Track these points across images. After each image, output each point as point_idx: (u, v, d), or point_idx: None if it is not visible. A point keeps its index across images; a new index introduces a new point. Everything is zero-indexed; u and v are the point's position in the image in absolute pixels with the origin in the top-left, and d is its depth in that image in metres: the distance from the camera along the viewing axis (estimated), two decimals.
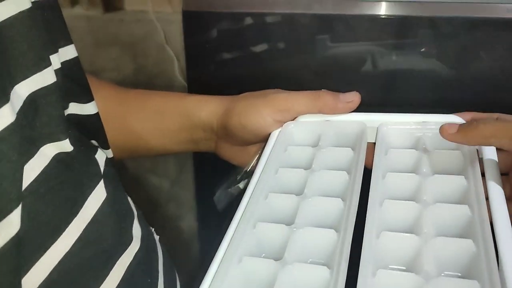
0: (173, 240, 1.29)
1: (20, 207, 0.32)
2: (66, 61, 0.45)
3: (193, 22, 0.83)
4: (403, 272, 0.39)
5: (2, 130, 0.32)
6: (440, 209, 0.43)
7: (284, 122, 0.58)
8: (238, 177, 0.60)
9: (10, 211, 0.32)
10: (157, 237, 0.55)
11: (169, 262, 0.54)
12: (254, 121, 0.58)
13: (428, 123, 0.54)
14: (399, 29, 0.73)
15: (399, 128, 0.54)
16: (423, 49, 0.74)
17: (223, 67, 0.86)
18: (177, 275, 0.56)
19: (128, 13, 1.22)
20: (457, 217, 0.43)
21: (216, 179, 0.64)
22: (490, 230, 0.40)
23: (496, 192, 0.42)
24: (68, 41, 0.46)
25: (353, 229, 0.42)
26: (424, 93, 0.77)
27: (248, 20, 0.78)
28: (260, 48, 0.81)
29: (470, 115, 0.54)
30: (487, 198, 0.43)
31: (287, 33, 0.78)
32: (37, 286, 0.34)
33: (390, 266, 0.40)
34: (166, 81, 1.18)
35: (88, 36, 1.23)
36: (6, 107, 0.33)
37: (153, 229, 0.55)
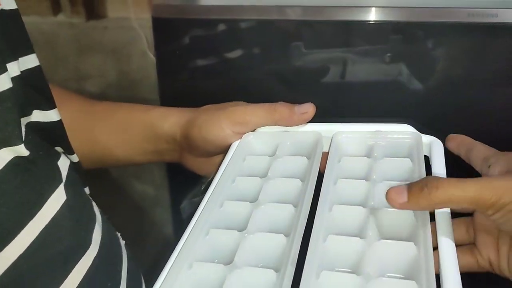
0: (158, 245, 1.31)
1: None
2: (27, 69, 0.47)
3: (164, 29, 0.85)
4: (346, 273, 0.41)
5: None
6: (385, 213, 0.45)
7: (244, 134, 0.60)
8: (203, 187, 0.62)
9: None
10: (122, 242, 0.57)
11: (134, 268, 0.56)
12: (214, 133, 0.60)
13: (381, 132, 0.56)
14: (360, 36, 0.75)
15: (353, 137, 0.57)
16: (387, 55, 0.76)
17: (194, 74, 0.88)
18: (143, 280, 0.58)
19: (111, 20, 1.25)
20: (401, 221, 0.45)
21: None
22: (430, 234, 0.42)
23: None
24: (29, 50, 0.48)
25: (302, 233, 0.44)
26: (383, 102, 0.79)
27: (219, 27, 0.80)
28: (231, 54, 0.83)
29: (460, 138, 0.55)
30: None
31: (257, 39, 0.80)
32: None
33: (335, 268, 0.42)
34: (150, 86, 1.20)
35: (72, 43, 1.26)
36: None
37: (119, 234, 0.57)
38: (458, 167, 0.51)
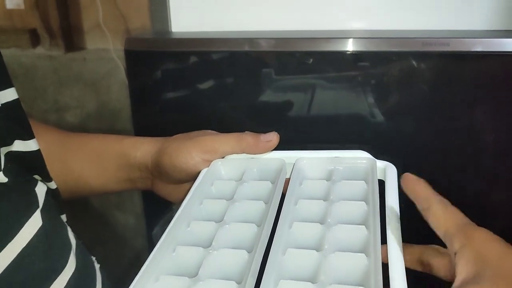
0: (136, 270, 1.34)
1: None
2: (7, 102, 0.51)
3: (136, 61, 0.89)
4: (303, 282, 0.45)
5: None
6: (341, 229, 0.50)
7: (210, 160, 0.64)
8: (173, 214, 0.66)
9: None
10: (97, 266, 0.60)
11: (107, 280, 0.59)
12: (183, 161, 0.63)
13: (339, 158, 0.61)
14: (322, 65, 0.80)
15: (313, 163, 0.61)
16: (347, 84, 0.80)
17: (167, 104, 0.92)
18: None
19: (90, 51, 1.31)
20: (355, 235, 0.49)
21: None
22: (380, 246, 0.46)
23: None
24: (8, 85, 0.52)
25: (264, 249, 0.47)
26: (344, 129, 0.83)
27: (191, 59, 0.84)
28: (203, 85, 0.87)
29: (414, 185, 0.52)
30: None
31: (227, 71, 0.84)
32: None
33: (292, 278, 0.46)
34: (129, 116, 1.23)
35: (51, 75, 1.30)
36: None
37: (94, 258, 0.60)
38: None
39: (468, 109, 0.78)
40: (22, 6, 1.28)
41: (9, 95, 0.51)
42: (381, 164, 0.60)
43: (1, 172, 0.44)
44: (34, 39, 1.30)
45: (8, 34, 1.35)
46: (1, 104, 0.48)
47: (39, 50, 1.30)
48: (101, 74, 1.28)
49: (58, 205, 0.56)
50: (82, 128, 1.33)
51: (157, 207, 0.70)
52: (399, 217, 0.50)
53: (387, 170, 0.59)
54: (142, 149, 0.68)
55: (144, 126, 0.95)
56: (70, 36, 1.32)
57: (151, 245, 1.16)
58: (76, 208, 0.63)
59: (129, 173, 0.70)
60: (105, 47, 1.28)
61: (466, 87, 0.76)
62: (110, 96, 1.29)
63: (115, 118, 1.30)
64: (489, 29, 0.81)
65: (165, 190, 0.69)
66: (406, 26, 0.83)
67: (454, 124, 0.79)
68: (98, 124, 1.33)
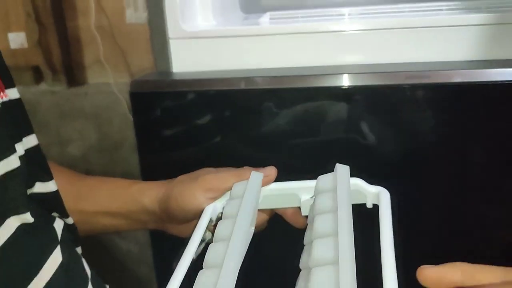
0: None
1: None
2: (29, 148, 0.57)
3: (141, 102, 0.94)
4: None
5: None
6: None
7: (215, 198, 0.68)
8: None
9: None
10: None
11: None
12: (189, 202, 0.68)
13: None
14: (312, 100, 0.86)
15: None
16: (344, 116, 0.85)
17: (170, 141, 0.97)
18: None
19: (92, 86, 1.35)
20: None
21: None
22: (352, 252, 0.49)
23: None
24: (30, 131, 0.58)
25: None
26: (341, 158, 0.89)
27: (191, 98, 0.90)
28: (202, 121, 0.93)
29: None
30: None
31: (223, 107, 0.89)
32: None
33: None
34: (130, 146, 1.28)
35: (54, 110, 1.35)
36: None
37: (107, 286, 0.66)
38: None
39: (450, 135, 0.84)
40: (26, 45, 1.33)
41: (32, 141, 0.57)
42: (375, 189, 0.64)
43: (29, 213, 0.50)
44: (37, 75, 1.35)
45: (12, 71, 1.42)
46: (25, 150, 0.54)
47: (42, 86, 1.35)
48: (102, 107, 1.33)
49: (74, 238, 0.62)
50: (84, 159, 1.37)
51: (163, 237, 0.75)
52: (392, 240, 0.53)
53: (381, 194, 0.62)
54: (149, 194, 0.74)
55: (150, 161, 1.00)
56: (72, 72, 1.36)
57: (159, 276, 1.21)
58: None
59: (139, 217, 0.75)
60: (105, 81, 1.32)
61: (447, 115, 0.82)
62: (112, 128, 1.33)
63: (117, 149, 1.34)
64: (469, 59, 0.87)
65: (177, 229, 0.75)
66: (390, 59, 0.88)
67: (439, 149, 0.84)
68: (100, 155, 1.36)
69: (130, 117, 1.29)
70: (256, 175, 0.67)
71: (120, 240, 1.43)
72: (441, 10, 0.91)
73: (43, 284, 0.50)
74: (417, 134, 0.86)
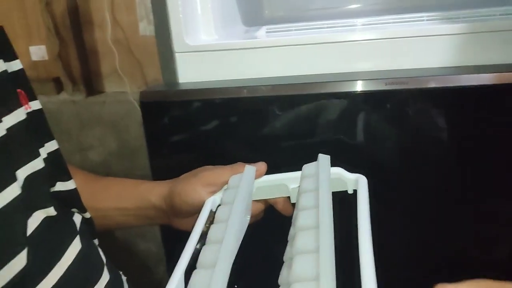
0: None
1: (27, 249, 0.52)
2: (51, 152, 0.66)
3: (150, 111, 1.02)
4: None
5: (13, 200, 0.52)
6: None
7: (215, 192, 0.75)
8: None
9: (20, 251, 0.51)
10: (124, 278, 0.75)
11: None
12: (191, 197, 0.76)
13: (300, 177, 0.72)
14: (305, 106, 0.93)
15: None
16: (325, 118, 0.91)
17: (178, 145, 1.04)
18: None
19: (109, 95, 1.44)
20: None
21: None
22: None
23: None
24: (51, 137, 0.67)
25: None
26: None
27: (197, 106, 0.96)
28: (207, 127, 1.00)
29: None
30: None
31: (229, 114, 0.96)
32: None
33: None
34: (146, 152, 1.35)
35: (74, 118, 1.44)
36: (15, 184, 0.53)
37: (121, 272, 0.76)
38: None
39: (428, 135, 0.91)
40: (46, 57, 1.42)
41: (53, 146, 0.66)
42: (353, 176, 0.70)
43: (52, 207, 0.60)
44: (58, 86, 1.44)
45: (34, 83, 1.50)
46: (47, 154, 0.64)
47: (63, 95, 1.43)
48: (120, 115, 1.41)
49: (91, 231, 0.71)
50: (104, 165, 1.45)
51: (175, 235, 0.83)
52: (369, 224, 0.58)
53: (359, 180, 0.69)
54: (155, 192, 0.82)
55: (159, 164, 1.08)
56: (90, 82, 1.46)
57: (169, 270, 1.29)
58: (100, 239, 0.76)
59: (146, 213, 0.83)
60: (122, 90, 1.41)
61: (424, 118, 0.89)
62: (129, 135, 1.41)
63: (134, 154, 1.42)
64: (444, 66, 0.94)
65: (181, 223, 0.82)
66: (371, 67, 0.96)
67: (417, 146, 0.91)
68: (119, 160, 1.45)
69: None
70: (249, 168, 0.74)
71: (139, 240, 1.51)
72: (422, 20, 0.98)
73: (65, 268, 0.58)
74: (398, 133, 0.92)
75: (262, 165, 0.76)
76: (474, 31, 0.91)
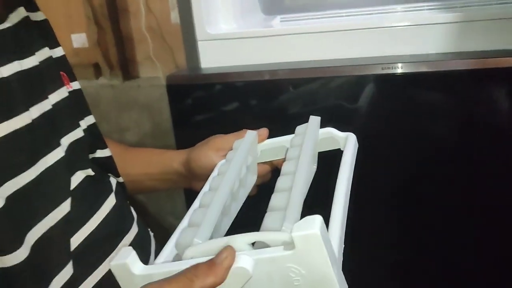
0: None
1: (70, 199, 0.63)
2: (90, 124, 0.77)
3: (176, 93, 1.12)
4: None
5: (57, 160, 0.63)
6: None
7: (224, 156, 0.83)
8: None
9: (64, 199, 0.62)
10: (151, 233, 0.87)
11: (159, 248, 0.86)
12: (205, 161, 0.86)
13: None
14: (315, 88, 1.02)
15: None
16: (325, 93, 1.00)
17: (200, 125, 1.14)
18: None
19: (144, 80, 1.54)
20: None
21: None
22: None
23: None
24: (89, 112, 0.77)
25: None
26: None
27: (218, 88, 1.06)
28: (228, 108, 1.09)
29: None
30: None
31: (248, 96, 1.06)
32: (76, 245, 0.64)
33: None
34: None
35: (112, 101, 1.56)
36: (59, 149, 0.64)
37: (149, 229, 0.88)
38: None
39: (418, 116, 1.00)
40: (86, 45, 1.54)
41: (91, 120, 0.79)
42: (344, 134, 0.77)
43: (91, 169, 0.73)
44: (97, 71, 1.55)
45: (75, 68, 1.62)
46: (87, 126, 0.77)
47: (102, 80, 1.55)
48: (153, 98, 1.52)
49: (124, 193, 0.84)
50: (140, 145, 1.55)
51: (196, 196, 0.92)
52: (350, 173, 0.65)
53: (348, 137, 0.76)
54: (177, 160, 0.93)
55: (184, 141, 1.18)
56: (127, 67, 1.56)
57: None
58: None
59: (170, 177, 0.95)
60: (155, 75, 1.51)
61: (418, 100, 0.98)
62: (161, 117, 1.51)
63: (166, 135, 1.51)
64: (439, 52, 1.03)
65: (199, 185, 0.92)
66: (369, 53, 1.06)
67: (409, 126, 1.01)
68: (152, 141, 1.55)
69: None
70: (250, 133, 0.82)
71: (169, 216, 1.62)
72: (423, 9, 1.06)
73: (102, 218, 0.70)
74: (392, 112, 1.01)
75: (264, 131, 0.84)
76: (466, 20, 0.98)
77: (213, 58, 1.12)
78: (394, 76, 0.95)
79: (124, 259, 0.52)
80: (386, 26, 1.01)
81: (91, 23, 1.52)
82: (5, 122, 0.58)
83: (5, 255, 0.54)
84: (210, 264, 0.48)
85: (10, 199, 0.55)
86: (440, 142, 1.02)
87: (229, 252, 0.48)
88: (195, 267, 0.49)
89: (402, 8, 1.08)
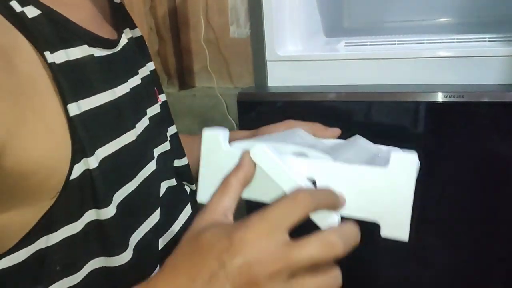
0: None
1: (160, 208, 0.70)
2: (172, 134, 0.83)
3: (245, 109, 1.17)
4: None
5: (152, 171, 0.69)
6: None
7: None
8: None
9: (156, 208, 0.69)
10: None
11: None
12: None
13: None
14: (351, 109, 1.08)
15: None
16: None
17: None
18: None
19: (199, 89, 1.62)
20: None
21: None
22: None
23: None
24: (172, 123, 0.85)
25: None
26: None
27: (284, 107, 1.11)
28: None
29: None
30: None
31: (312, 114, 1.09)
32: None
33: None
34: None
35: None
36: (154, 161, 0.70)
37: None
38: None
39: (478, 145, 1.04)
40: None
41: (174, 129, 0.84)
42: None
43: (174, 179, 0.79)
44: None
45: None
46: (169, 136, 0.81)
47: None
48: (207, 107, 1.58)
49: (196, 201, 0.91)
50: None
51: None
52: None
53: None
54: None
55: None
56: (183, 77, 1.64)
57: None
58: None
59: None
60: (210, 86, 1.58)
61: (476, 130, 1.03)
62: (214, 125, 1.54)
63: None
64: (499, 83, 1.06)
65: None
66: (431, 81, 1.10)
67: (466, 152, 1.06)
68: None
69: (229, 117, 1.56)
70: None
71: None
72: (484, 41, 1.11)
73: (180, 225, 0.76)
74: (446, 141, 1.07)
75: (337, 131, 0.84)
76: None
77: (279, 78, 1.19)
78: (458, 104, 0.99)
79: (217, 131, 0.58)
80: (448, 56, 1.06)
81: (152, 33, 1.60)
82: (116, 140, 0.63)
83: (114, 256, 0.61)
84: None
85: (119, 207, 0.62)
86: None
87: None
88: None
89: (463, 39, 1.14)
